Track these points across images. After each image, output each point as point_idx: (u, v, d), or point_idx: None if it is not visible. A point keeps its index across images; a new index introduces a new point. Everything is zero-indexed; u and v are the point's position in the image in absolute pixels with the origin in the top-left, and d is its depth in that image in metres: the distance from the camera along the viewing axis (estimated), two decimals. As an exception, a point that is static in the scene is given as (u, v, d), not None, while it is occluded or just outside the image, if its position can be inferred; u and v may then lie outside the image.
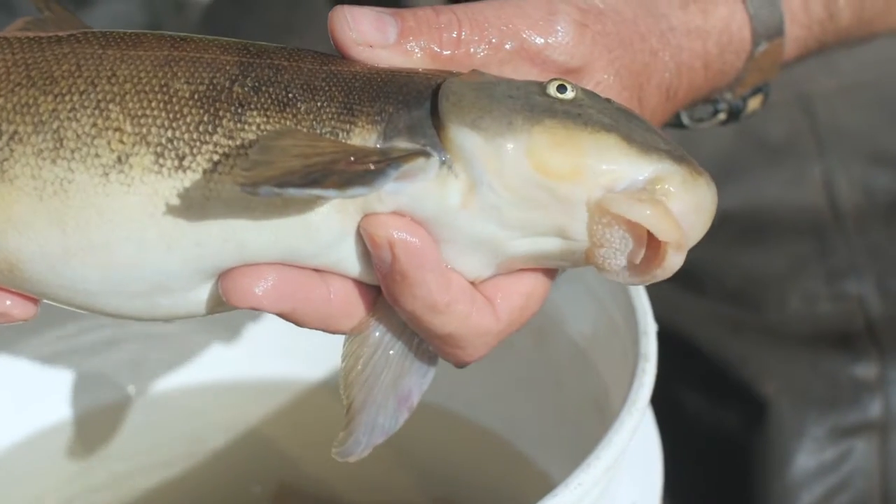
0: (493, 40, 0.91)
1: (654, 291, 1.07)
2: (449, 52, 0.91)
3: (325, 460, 1.32)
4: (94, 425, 1.33)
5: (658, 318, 1.07)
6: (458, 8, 0.91)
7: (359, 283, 0.90)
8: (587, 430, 1.19)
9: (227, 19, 1.58)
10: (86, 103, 0.87)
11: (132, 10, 2.02)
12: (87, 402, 1.33)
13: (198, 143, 0.86)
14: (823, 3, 1.08)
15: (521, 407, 1.29)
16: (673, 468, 1.13)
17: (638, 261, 0.86)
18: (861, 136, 1.50)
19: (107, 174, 0.86)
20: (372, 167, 0.82)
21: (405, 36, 0.91)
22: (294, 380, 1.37)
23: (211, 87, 0.87)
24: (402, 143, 0.86)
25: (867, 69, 1.50)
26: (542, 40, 0.92)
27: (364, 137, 0.86)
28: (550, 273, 0.91)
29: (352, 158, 0.83)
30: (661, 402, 1.11)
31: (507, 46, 0.91)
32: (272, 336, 1.35)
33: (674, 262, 0.85)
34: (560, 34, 0.92)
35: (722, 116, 1.10)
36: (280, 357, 1.36)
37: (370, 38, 0.90)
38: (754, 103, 1.10)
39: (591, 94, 0.89)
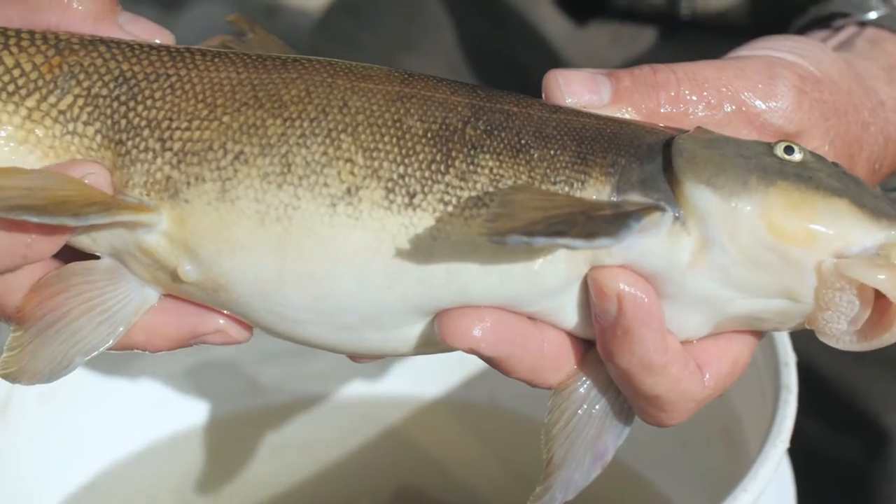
0: (712, 101, 0.90)
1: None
2: (666, 109, 0.90)
3: (435, 476, 1.34)
4: (209, 438, 1.33)
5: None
6: (678, 66, 0.91)
7: (570, 336, 0.88)
8: (713, 458, 1.20)
9: (343, 31, 1.57)
10: (316, 131, 0.86)
11: (222, 14, 2.01)
12: (203, 415, 1.33)
13: (429, 182, 0.85)
14: None
15: (644, 430, 1.29)
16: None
17: (859, 325, 0.85)
18: None
19: (334, 205, 0.84)
20: (613, 220, 0.81)
21: (620, 96, 0.90)
22: (404, 397, 1.37)
23: (444, 127, 0.86)
24: (636, 197, 0.85)
25: None
26: (762, 104, 0.91)
27: (598, 189, 0.86)
28: (758, 337, 0.90)
29: (589, 211, 0.82)
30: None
31: (727, 108, 0.90)
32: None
33: None
34: (780, 98, 0.91)
35: None
36: (391, 375, 1.36)
37: (584, 101, 0.90)
38: None
39: (819, 157, 0.88)
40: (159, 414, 1.31)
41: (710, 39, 1.38)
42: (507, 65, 1.49)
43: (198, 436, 1.33)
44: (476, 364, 1.34)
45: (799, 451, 1.09)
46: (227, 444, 1.33)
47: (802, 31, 1.14)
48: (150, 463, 1.30)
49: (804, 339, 1.19)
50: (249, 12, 2.35)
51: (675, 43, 1.41)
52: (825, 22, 1.13)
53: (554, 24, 1.44)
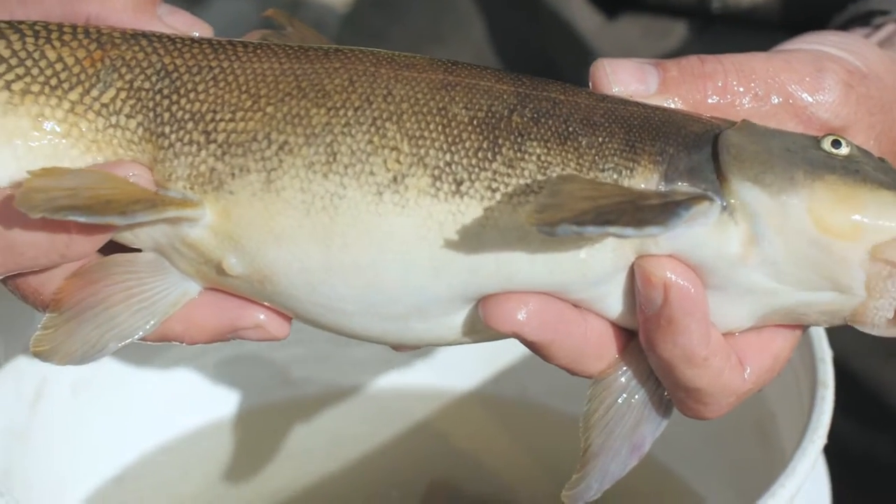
0: (759, 92, 0.91)
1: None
2: (713, 100, 0.90)
3: (466, 469, 1.34)
4: (239, 429, 1.33)
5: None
6: (725, 57, 0.91)
7: (613, 325, 0.89)
8: (746, 453, 1.19)
9: (372, 25, 1.57)
10: (361, 119, 0.86)
11: (247, 8, 2.00)
12: (233, 406, 1.33)
13: (476, 170, 0.85)
14: None
15: (675, 423, 1.29)
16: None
17: None
18: None
19: (380, 193, 0.84)
20: (662, 208, 0.81)
21: (667, 86, 0.90)
22: (435, 390, 1.37)
23: (490, 115, 0.86)
24: (684, 186, 0.85)
25: None
26: (809, 97, 0.91)
27: (646, 177, 0.86)
28: (800, 331, 0.90)
29: (638, 201, 0.82)
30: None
31: (774, 100, 0.91)
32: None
33: None
34: (827, 92, 0.92)
35: None
36: (423, 367, 1.36)
37: (631, 90, 0.90)
38: None
39: (865, 152, 0.88)
40: (190, 405, 1.31)
41: (741, 34, 1.38)
42: (537, 58, 1.49)
43: (228, 427, 1.33)
44: (507, 357, 1.34)
45: (830, 449, 1.09)
46: (258, 435, 1.33)
47: (842, 27, 1.14)
48: (180, 454, 1.30)
49: (835, 335, 1.20)
50: (273, 6, 2.35)
51: (707, 37, 1.41)
52: (864, 19, 1.13)
53: (585, 18, 1.44)
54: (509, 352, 1.33)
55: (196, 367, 1.31)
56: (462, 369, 1.35)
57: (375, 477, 1.34)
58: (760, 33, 1.38)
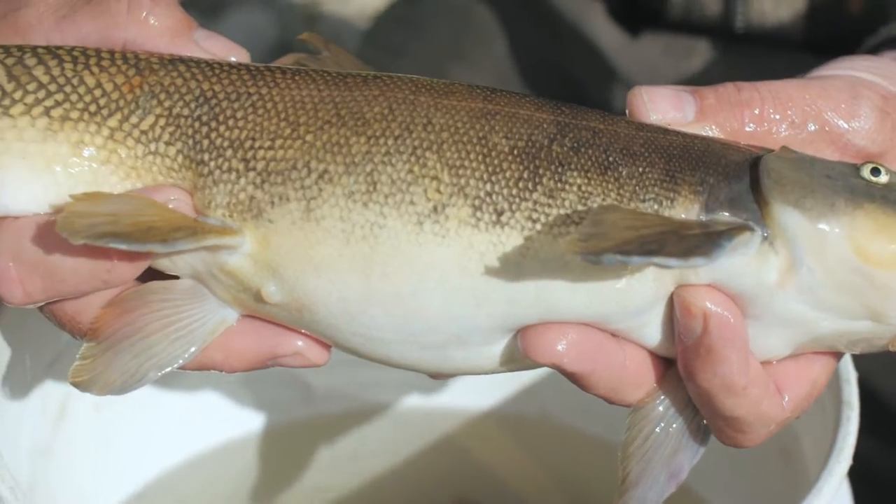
0: (796, 120, 0.91)
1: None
2: (750, 128, 0.90)
3: (488, 488, 1.34)
4: (263, 446, 1.33)
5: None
6: (761, 85, 0.91)
7: (651, 354, 0.89)
8: (769, 475, 1.19)
9: (393, 41, 1.57)
10: (401, 148, 0.86)
11: (262, 22, 2.00)
12: (257, 423, 1.33)
13: (517, 200, 0.85)
14: None
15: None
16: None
17: None
18: None
19: (421, 223, 0.84)
20: (706, 239, 0.81)
21: (704, 114, 0.90)
22: (457, 409, 1.37)
23: (530, 144, 0.86)
24: (725, 216, 0.86)
25: None
26: (845, 124, 0.91)
27: (687, 207, 0.86)
28: (837, 359, 0.91)
29: (680, 231, 0.82)
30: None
31: (811, 127, 0.91)
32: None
33: None
34: (863, 119, 0.92)
35: None
36: (445, 385, 1.36)
37: (668, 118, 0.90)
38: None
39: None
40: (213, 422, 1.31)
41: (764, 54, 1.38)
42: (558, 76, 1.48)
43: (251, 444, 1.32)
44: (528, 377, 1.34)
45: (854, 469, 1.09)
46: (281, 453, 1.33)
47: (873, 51, 1.14)
48: (203, 471, 1.30)
49: (858, 357, 1.20)
50: (291, 20, 2.34)
51: (730, 56, 1.41)
52: (895, 42, 1.13)
53: (607, 36, 1.44)
54: (530, 371, 1.33)
55: (219, 384, 1.31)
56: (483, 388, 1.35)
57: (397, 494, 1.34)
58: (784, 53, 1.38)
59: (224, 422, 1.31)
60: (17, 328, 1.09)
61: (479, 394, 1.35)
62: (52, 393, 1.19)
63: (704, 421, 0.90)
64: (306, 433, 1.34)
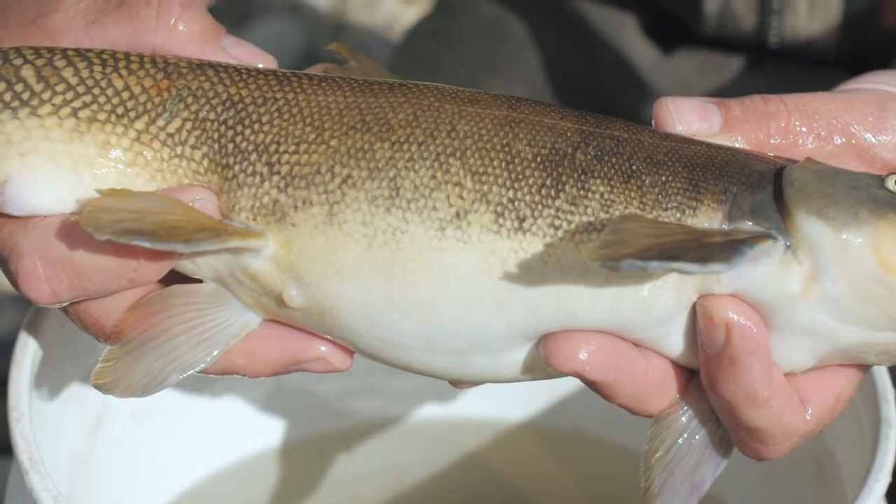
0: (822, 133, 0.90)
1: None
2: (776, 140, 0.90)
3: (519, 499, 1.34)
4: (286, 460, 1.33)
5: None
6: (787, 97, 0.91)
7: (674, 365, 0.88)
8: (804, 492, 1.18)
9: (427, 56, 1.57)
10: (425, 154, 0.86)
11: (289, 31, 2.00)
12: (280, 437, 1.33)
13: (539, 207, 0.85)
14: None
15: (732, 461, 1.28)
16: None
17: None
18: None
19: (443, 229, 0.85)
20: (726, 246, 0.81)
21: (730, 125, 0.90)
22: (485, 421, 1.36)
23: (553, 152, 0.86)
24: (747, 226, 0.85)
25: None
26: (872, 137, 0.91)
27: (709, 216, 0.86)
28: (862, 371, 0.90)
29: (702, 239, 0.82)
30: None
31: (837, 140, 0.90)
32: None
33: None
34: (890, 132, 0.91)
35: None
36: (473, 397, 1.36)
37: (694, 128, 0.90)
38: None
39: None
40: (238, 435, 1.31)
41: (797, 69, 1.38)
42: (591, 91, 1.49)
43: (274, 458, 1.33)
44: (560, 389, 1.34)
45: (893, 488, 1.08)
46: (308, 464, 1.33)
47: None
48: (233, 481, 1.30)
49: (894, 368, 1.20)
50: (317, 28, 2.35)
51: (763, 72, 1.41)
52: None
53: (640, 52, 1.44)
54: (561, 383, 1.33)
55: (249, 396, 1.31)
56: (513, 400, 1.35)
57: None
58: (817, 69, 1.38)
59: (256, 433, 1.32)
60: (56, 337, 1.09)
61: (510, 406, 1.35)
62: (90, 401, 1.20)
63: (727, 433, 0.90)
64: (334, 445, 1.34)
